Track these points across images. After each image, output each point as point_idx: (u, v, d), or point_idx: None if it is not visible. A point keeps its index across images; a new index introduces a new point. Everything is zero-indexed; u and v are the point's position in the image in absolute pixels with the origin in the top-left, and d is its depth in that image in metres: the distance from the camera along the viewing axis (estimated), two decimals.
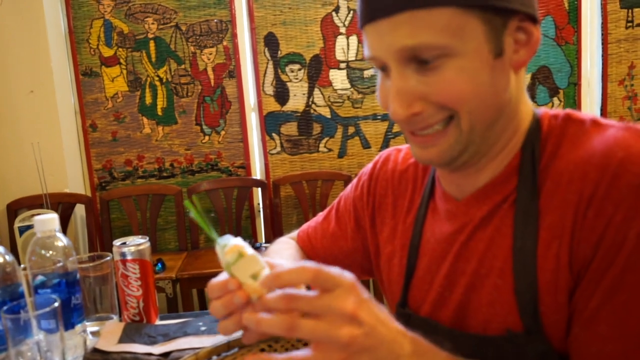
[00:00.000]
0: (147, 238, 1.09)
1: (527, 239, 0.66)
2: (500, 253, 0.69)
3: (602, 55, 3.13)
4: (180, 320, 1.08)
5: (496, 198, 0.71)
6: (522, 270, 0.66)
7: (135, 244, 1.06)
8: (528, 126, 0.71)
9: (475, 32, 0.62)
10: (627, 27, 3.11)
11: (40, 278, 0.93)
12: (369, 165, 0.95)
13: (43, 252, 0.93)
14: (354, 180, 0.98)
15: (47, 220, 0.93)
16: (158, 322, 1.09)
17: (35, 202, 2.82)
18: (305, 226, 1.05)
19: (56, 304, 0.84)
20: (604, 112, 3.17)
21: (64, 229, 2.91)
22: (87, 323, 1.06)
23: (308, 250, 1.02)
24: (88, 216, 3.00)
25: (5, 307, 0.84)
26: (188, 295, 2.66)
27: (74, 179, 3.04)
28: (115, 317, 1.10)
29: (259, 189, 3.18)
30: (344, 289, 0.54)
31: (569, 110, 0.71)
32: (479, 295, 0.71)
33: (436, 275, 0.77)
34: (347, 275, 0.55)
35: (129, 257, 1.05)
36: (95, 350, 0.93)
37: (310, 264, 0.55)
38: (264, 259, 0.61)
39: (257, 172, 3.25)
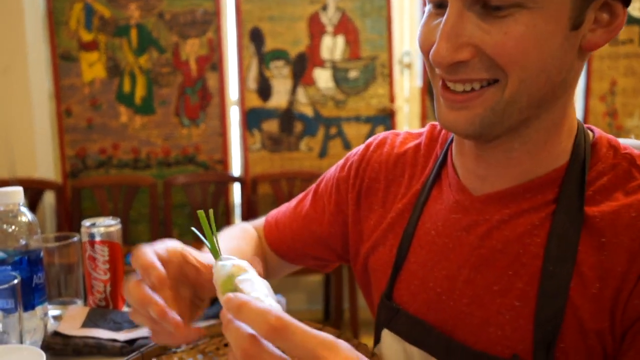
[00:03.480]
0: (119, 220, 1.03)
1: (561, 266, 0.60)
2: (525, 272, 0.62)
3: (586, 71, 3.15)
4: None
5: (524, 204, 0.65)
6: (548, 299, 0.60)
7: (105, 225, 1.00)
8: (575, 139, 0.65)
9: None
10: (610, 44, 3.14)
11: (1, 255, 0.87)
12: (361, 147, 0.87)
13: (5, 226, 0.86)
14: (340, 162, 0.90)
15: (11, 193, 0.87)
16: (126, 309, 1.03)
17: (2, 186, 2.71)
18: (274, 211, 0.97)
19: (15, 281, 0.78)
20: None
21: None
22: (50, 306, 0.99)
23: (272, 238, 0.93)
24: (58, 204, 2.90)
25: None
26: None
27: (44, 164, 2.94)
28: (80, 302, 1.03)
29: (237, 185, 3.12)
30: None
31: (633, 152, 0.65)
32: (488, 311, 0.64)
33: (434, 272, 0.70)
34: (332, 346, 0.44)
35: (97, 239, 0.99)
36: (56, 334, 0.86)
37: (284, 316, 0.44)
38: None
39: (236, 168, 3.19)
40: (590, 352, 0.59)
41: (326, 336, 0.43)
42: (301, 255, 0.93)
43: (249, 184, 3.08)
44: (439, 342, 0.67)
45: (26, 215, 0.89)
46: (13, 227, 0.87)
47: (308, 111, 3.14)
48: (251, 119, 3.12)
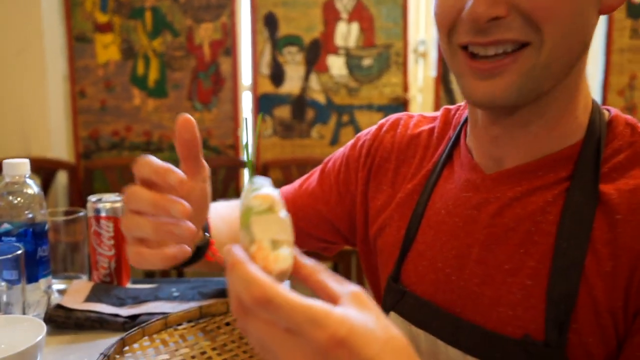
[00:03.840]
0: None
1: (575, 243, 0.58)
2: (537, 251, 0.61)
3: (605, 64, 3.09)
4: (153, 285, 1.02)
5: (537, 182, 0.63)
6: (561, 277, 0.58)
7: (111, 201, 1.00)
8: (590, 115, 0.64)
9: None
10: (631, 37, 3.08)
11: (5, 226, 0.87)
12: (373, 127, 0.86)
13: (10, 198, 0.87)
14: (350, 142, 0.88)
15: (17, 165, 0.87)
16: (130, 285, 1.04)
17: None
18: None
19: (19, 252, 0.78)
20: None
21: (45, 196, 2.84)
22: (55, 281, 1.00)
23: None
24: (70, 184, 2.93)
25: None
26: (167, 272, 2.60)
27: (58, 144, 2.96)
28: (85, 278, 1.04)
29: (248, 171, 3.12)
30: (312, 346, 0.39)
31: None
32: (499, 291, 0.63)
33: (443, 252, 0.69)
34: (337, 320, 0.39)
35: (103, 214, 0.99)
36: (59, 307, 0.87)
37: (270, 287, 0.40)
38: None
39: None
40: (603, 333, 0.57)
41: (315, 309, 0.39)
42: (304, 235, 0.90)
43: (260, 170, 3.08)
44: (446, 323, 0.66)
45: (32, 188, 0.89)
46: (19, 199, 0.87)
47: (320, 98, 3.12)
48: (263, 105, 3.11)
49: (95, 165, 2.99)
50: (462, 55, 0.61)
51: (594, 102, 0.66)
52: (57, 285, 1.00)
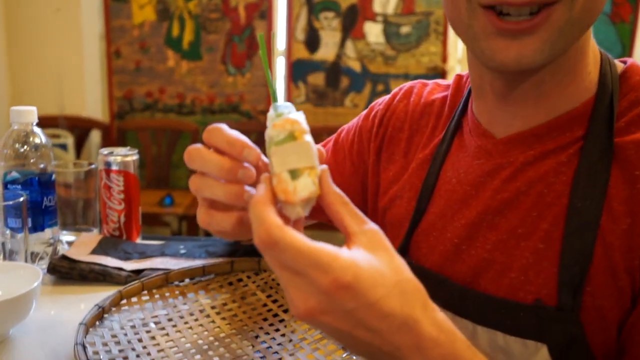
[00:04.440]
0: (136, 151, 1.01)
1: (590, 202, 0.55)
2: (550, 213, 0.58)
3: None
4: (162, 242, 1.01)
5: (549, 144, 0.60)
6: (575, 238, 0.55)
7: (122, 154, 0.98)
8: (600, 68, 0.60)
9: None
10: None
11: (13, 175, 0.87)
12: (386, 97, 0.82)
13: (17, 146, 0.86)
14: (363, 112, 0.85)
15: (25, 112, 0.85)
16: (139, 240, 1.02)
17: (51, 123, 2.78)
18: None
19: (21, 199, 0.77)
20: None
21: (78, 154, 2.88)
22: (65, 232, 1.00)
23: None
24: (103, 144, 2.96)
25: None
26: (193, 234, 2.63)
27: (92, 104, 2.99)
28: (96, 231, 1.03)
29: None
30: (316, 289, 0.40)
31: None
32: (511, 256, 0.60)
33: (453, 222, 0.66)
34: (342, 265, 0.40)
35: (113, 168, 0.98)
36: (64, 258, 0.86)
37: (275, 230, 0.40)
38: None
39: None
40: (619, 294, 0.54)
41: (320, 253, 0.39)
42: (317, 207, 0.88)
43: None
44: (454, 294, 0.63)
45: (39, 137, 0.88)
46: (25, 147, 0.86)
47: (355, 66, 3.05)
48: (297, 71, 3.06)
49: (128, 126, 3.02)
50: (487, 14, 0.56)
51: (602, 53, 0.62)
52: (67, 237, 1.00)
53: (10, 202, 0.76)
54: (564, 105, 0.60)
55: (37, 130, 0.88)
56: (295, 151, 0.44)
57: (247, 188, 0.49)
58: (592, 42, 0.61)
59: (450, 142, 0.70)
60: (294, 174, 0.43)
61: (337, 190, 0.46)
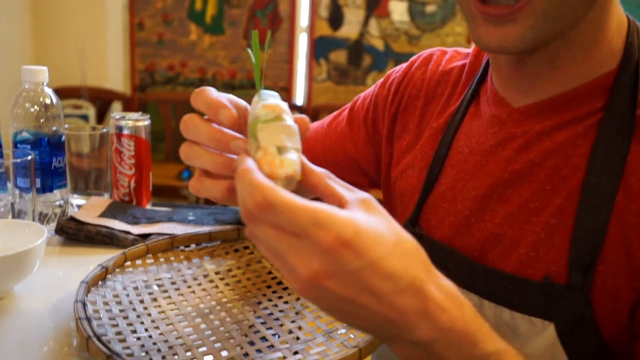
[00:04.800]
0: (148, 116, 1.00)
1: (606, 178, 0.52)
2: (564, 187, 0.55)
3: None
4: (171, 209, 1.00)
5: (566, 115, 0.57)
6: (589, 214, 0.53)
7: (134, 119, 0.97)
8: (627, 37, 0.57)
9: None
10: None
11: (24, 135, 0.86)
12: (404, 64, 0.80)
13: (27, 105, 0.85)
14: (380, 80, 0.83)
15: (36, 71, 0.85)
16: (149, 207, 1.02)
17: (73, 94, 2.80)
18: None
19: (29, 157, 0.77)
20: None
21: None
22: (75, 196, 1.00)
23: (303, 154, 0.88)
24: None
25: None
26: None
27: (114, 76, 3.00)
28: (106, 196, 1.03)
29: (298, 114, 3.07)
30: (317, 249, 0.37)
31: None
32: (521, 231, 0.58)
33: (464, 193, 0.64)
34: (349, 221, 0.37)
35: (125, 132, 0.97)
36: (72, 219, 0.86)
37: (271, 192, 0.38)
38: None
39: (299, 97, 3.14)
40: (634, 275, 0.51)
41: (319, 211, 0.37)
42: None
43: (311, 114, 3.02)
44: (462, 267, 0.62)
45: (50, 97, 0.87)
46: (36, 107, 0.85)
47: (379, 44, 3.01)
48: (319, 48, 3.03)
49: (149, 99, 3.02)
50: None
51: (630, 22, 0.58)
52: (77, 200, 1.00)
53: (19, 160, 0.75)
54: (583, 76, 0.57)
55: (48, 90, 0.87)
56: (283, 131, 0.45)
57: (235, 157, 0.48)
58: (617, 11, 0.57)
59: (466, 110, 0.68)
60: (281, 150, 0.44)
61: (320, 169, 0.45)
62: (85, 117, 2.80)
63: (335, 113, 0.88)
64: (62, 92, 2.85)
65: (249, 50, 0.53)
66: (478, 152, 0.63)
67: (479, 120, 0.66)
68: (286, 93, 3.07)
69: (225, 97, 0.52)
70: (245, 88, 3.07)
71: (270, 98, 0.48)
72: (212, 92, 0.50)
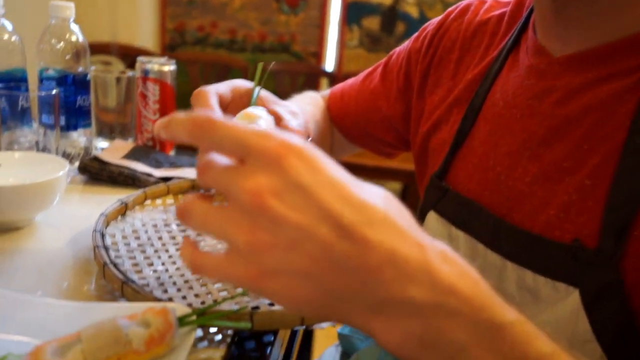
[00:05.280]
0: (174, 61, 0.99)
1: None
2: (603, 147, 0.51)
3: None
4: (195, 156, 0.99)
5: (611, 68, 0.53)
6: (627, 177, 0.49)
7: (160, 63, 0.96)
8: None
9: None
10: None
11: (50, 72, 0.86)
12: (440, 16, 0.77)
13: (54, 41, 0.84)
14: (416, 33, 0.80)
15: (63, 7, 0.84)
16: (172, 153, 1.01)
17: (103, 50, 2.80)
18: (340, 84, 0.90)
19: (53, 92, 0.76)
20: None
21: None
22: (100, 139, 0.99)
23: (336, 110, 0.86)
24: None
25: (1, 85, 0.77)
26: None
27: (145, 34, 2.99)
28: (131, 140, 1.03)
29: (326, 81, 3.04)
30: (262, 162, 0.31)
31: None
32: (552, 191, 0.54)
33: (496, 149, 0.60)
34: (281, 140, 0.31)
35: (150, 76, 0.96)
36: (95, 159, 0.86)
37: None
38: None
39: (329, 63, 3.09)
40: None
41: (262, 129, 0.32)
42: (363, 134, 0.86)
43: (340, 81, 2.98)
44: (488, 224, 0.59)
45: (76, 35, 0.86)
46: (61, 43, 0.85)
47: (413, 12, 2.93)
48: (352, 14, 2.97)
49: (178, 58, 3.01)
50: None
51: None
52: (102, 143, 0.99)
53: (43, 94, 0.75)
54: (628, 27, 0.52)
55: (75, 27, 0.86)
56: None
57: None
58: None
59: (504, 61, 0.64)
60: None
61: None
62: None
63: (370, 69, 0.86)
64: (92, 48, 2.86)
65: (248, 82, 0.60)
66: (513, 105, 0.60)
67: (517, 72, 0.62)
68: (316, 59, 3.03)
69: (227, 90, 0.59)
70: (275, 51, 3.04)
71: (248, 110, 0.54)
72: (208, 93, 0.55)
